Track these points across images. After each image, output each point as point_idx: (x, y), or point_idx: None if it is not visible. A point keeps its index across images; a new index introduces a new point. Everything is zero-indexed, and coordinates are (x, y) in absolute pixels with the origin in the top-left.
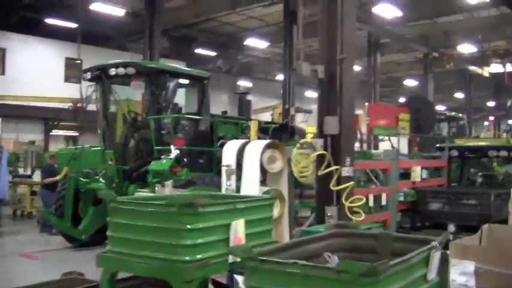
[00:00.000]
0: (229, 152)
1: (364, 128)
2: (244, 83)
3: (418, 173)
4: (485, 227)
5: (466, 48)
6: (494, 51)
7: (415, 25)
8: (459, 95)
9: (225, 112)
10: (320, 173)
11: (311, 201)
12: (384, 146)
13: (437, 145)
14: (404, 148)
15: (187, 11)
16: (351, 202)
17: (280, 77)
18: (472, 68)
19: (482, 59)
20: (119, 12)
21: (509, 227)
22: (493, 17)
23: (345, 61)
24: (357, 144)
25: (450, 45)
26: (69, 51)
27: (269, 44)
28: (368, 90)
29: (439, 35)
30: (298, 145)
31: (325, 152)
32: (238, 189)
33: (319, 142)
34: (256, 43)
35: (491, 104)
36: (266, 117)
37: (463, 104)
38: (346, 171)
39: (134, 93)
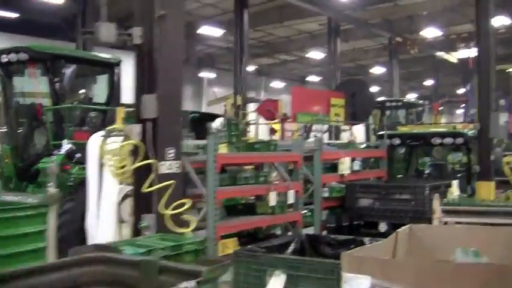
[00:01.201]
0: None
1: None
2: (207, 75)
3: (347, 165)
4: (403, 229)
5: (431, 32)
6: (458, 35)
7: (376, 8)
8: (430, 82)
9: None
10: (126, 169)
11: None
12: (346, 136)
13: (378, 133)
14: (361, 136)
15: None
16: (176, 208)
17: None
18: (440, 53)
19: (449, 44)
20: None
21: (435, 228)
22: None
23: (165, 20)
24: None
25: (415, 29)
26: (8, 43)
27: (224, 31)
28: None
29: (403, 19)
30: (103, 133)
31: (136, 142)
32: None
33: (135, 129)
34: (211, 31)
35: (461, 90)
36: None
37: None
38: (166, 166)
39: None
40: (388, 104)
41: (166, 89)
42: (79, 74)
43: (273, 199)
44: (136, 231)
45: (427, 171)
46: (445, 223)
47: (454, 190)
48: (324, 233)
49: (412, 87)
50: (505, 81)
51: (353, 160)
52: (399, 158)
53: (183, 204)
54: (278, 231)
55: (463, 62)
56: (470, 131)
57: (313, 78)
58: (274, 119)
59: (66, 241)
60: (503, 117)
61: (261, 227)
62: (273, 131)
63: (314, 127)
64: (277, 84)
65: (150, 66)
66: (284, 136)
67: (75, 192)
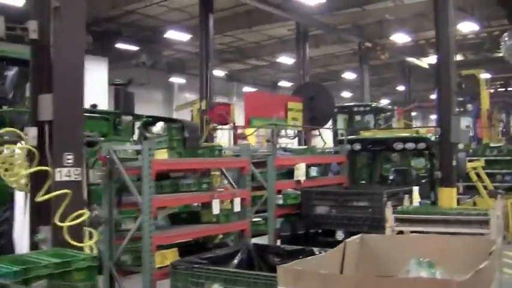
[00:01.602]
0: None
1: (241, 119)
2: (178, 80)
3: (302, 171)
4: (353, 238)
5: (400, 37)
6: (427, 40)
7: (345, 13)
8: (403, 88)
9: (94, 106)
10: (18, 176)
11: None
12: (318, 141)
13: (339, 138)
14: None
15: (104, 2)
16: (74, 219)
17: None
18: (411, 59)
19: (419, 50)
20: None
21: (388, 238)
22: (424, 4)
23: (61, 12)
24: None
25: (384, 35)
26: None
27: (191, 36)
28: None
29: (373, 24)
30: None
31: (29, 146)
32: None
33: (31, 132)
34: (177, 36)
35: (433, 96)
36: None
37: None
38: (64, 173)
39: None
40: (356, 109)
41: (65, 89)
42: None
43: (216, 207)
44: (34, 245)
45: (391, 178)
46: (400, 232)
47: (415, 197)
48: (278, 242)
49: (384, 93)
50: (473, 87)
51: (310, 166)
52: (363, 164)
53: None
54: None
55: (434, 67)
56: (433, 135)
57: (284, 84)
58: (226, 124)
59: (7, 250)
60: (464, 122)
61: (212, 236)
62: (240, 137)
63: (283, 132)
64: (248, 89)
65: (47, 64)
66: (237, 141)
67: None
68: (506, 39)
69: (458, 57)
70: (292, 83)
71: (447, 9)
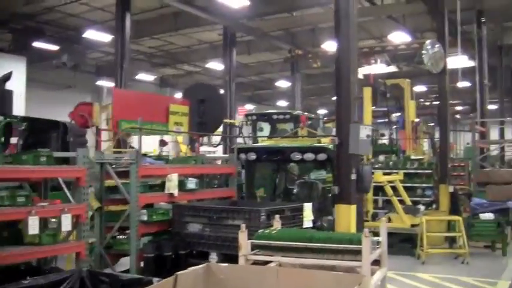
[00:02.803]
0: None
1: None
2: (106, 83)
3: (175, 183)
4: (195, 269)
5: (332, 46)
6: (359, 49)
7: (274, 19)
8: None
9: None
10: None
11: None
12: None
13: (233, 147)
14: None
15: None
16: None
17: (144, 76)
18: None
19: None
20: None
21: (240, 269)
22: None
23: None
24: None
25: (317, 43)
26: None
27: (113, 37)
28: (244, 90)
29: (305, 32)
30: None
31: None
32: None
33: None
34: (98, 36)
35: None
36: None
37: None
38: None
39: None
40: (275, 116)
41: None
42: None
43: (33, 226)
44: None
45: (295, 191)
46: (255, 263)
47: (307, 215)
48: (142, 264)
49: (322, 102)
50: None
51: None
52: (265, 175)
53: None
54: None
55: (367, 77)
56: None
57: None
58: (87, 127)
59: None
60: (365, 130)
61: (46, 258)
62: (163, 143)
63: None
64: (179, 95)
65: None
66: (100, 147)
67: None
68: (429, 47)
69: (392, 69)
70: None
71: (348, 23)
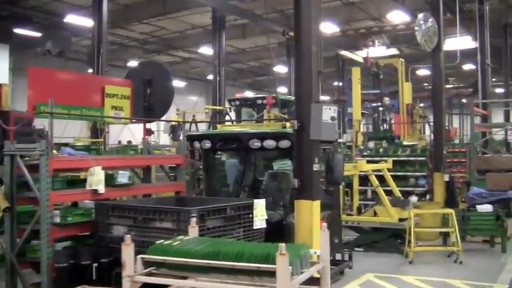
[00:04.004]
0: None
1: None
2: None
3: (98, 177)
4: None
5: (327, 27)
6: (355, 30)
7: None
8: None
9: None
10: None
11: None
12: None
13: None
14: None
15: None
16: None
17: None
18: (344, 53)
19: (352, 42)
20: None
21: None
22: None
23: None
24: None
25: None
26: None
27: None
28: (244, 77)
29: None
30: None
31: None
32: None
33: None
34: (80, 21)
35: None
36: None
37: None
38: None
39: None
40: (259, 101)
41: None
42: None
43: None
44: None
45: (264, 184)
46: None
47: (259, 214)
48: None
49: (325, 88)
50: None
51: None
52: (231, 166)
53: None
54: None
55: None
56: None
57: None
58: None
59: None
60: (329, 112)
61: None
62: (149, 132)
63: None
64: (179, 83)
65: None
66: (12, 137)
67: None
68: (421, 22)
69: (393, 51)
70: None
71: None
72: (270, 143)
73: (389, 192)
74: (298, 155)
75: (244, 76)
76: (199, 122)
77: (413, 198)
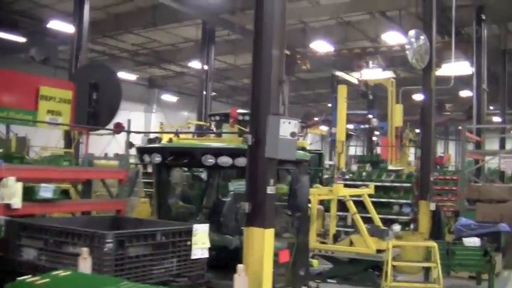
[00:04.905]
0: None
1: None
2: None
3: (12, 190)
4: None
5: (321, 46)
6: (350, 50)
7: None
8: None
9: None
10: None
11: None
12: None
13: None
14: None
15: None
16: None
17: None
18: (340, 73)
19: (346, 63)
20: None
21: None
22: (343, 6)
23: None
24: None
25: (307, 43)
26: None
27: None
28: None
29: (295, 31)
30: None
31: None
32: None
33: None
34: (63, 27)
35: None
36: None
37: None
38: None
39: None
40: (240, 117)
41: None
42: None
43: None
44: None
45: (226, 206)
46: None
47: (199, 241)
48: None
49: (322, 110)
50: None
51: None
52: (192, 183)
53: None
54: None
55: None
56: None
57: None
58: None
59: None
60: (288, 126)
61: None
62: (130, 145)
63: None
64: (169, 97)
65: None
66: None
67: None
68: (413, 39)
69: (389, 74)
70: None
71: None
72: (224, 160)
73: (370, 220)
74: (251, 174)
75: (238, 94)
76: (165, 132)
77: (396, 227)
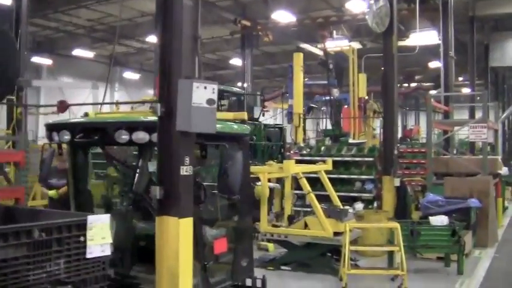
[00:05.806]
0: None
1: None
2: (44, 61)
3: None
4: None
5: (283, 16)
6: (312, 19)
7: None
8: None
9: None
10: None
11: None
12: None
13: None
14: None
15: None
16: None
17: (84, 53)
18: (305, 45)
19: (310, 34)
20: None
21: None
22: None
23: None
24: None
25: (269, 15)
26: None
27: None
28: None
29: (258, 2)
30: None
31: None
32: None
33: None
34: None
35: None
36: None
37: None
38: None
39: None
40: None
41: None
42: None
43: None
44: None
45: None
46: None
47: (97, 236)
48: None
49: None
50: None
51: None
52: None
53: None
54: None
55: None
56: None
57: None
58: None
59: None
60: (204, 92)
61: None
62: None
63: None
64: (131, 74)
65: None
66: None
67: None
68: (372, 2)
69: (355, 45)
70: None
71: None
72: (140, 136)
73: (330, 199)
74: (162, 152)
75: (203, 69)
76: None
77: (359, 206)
